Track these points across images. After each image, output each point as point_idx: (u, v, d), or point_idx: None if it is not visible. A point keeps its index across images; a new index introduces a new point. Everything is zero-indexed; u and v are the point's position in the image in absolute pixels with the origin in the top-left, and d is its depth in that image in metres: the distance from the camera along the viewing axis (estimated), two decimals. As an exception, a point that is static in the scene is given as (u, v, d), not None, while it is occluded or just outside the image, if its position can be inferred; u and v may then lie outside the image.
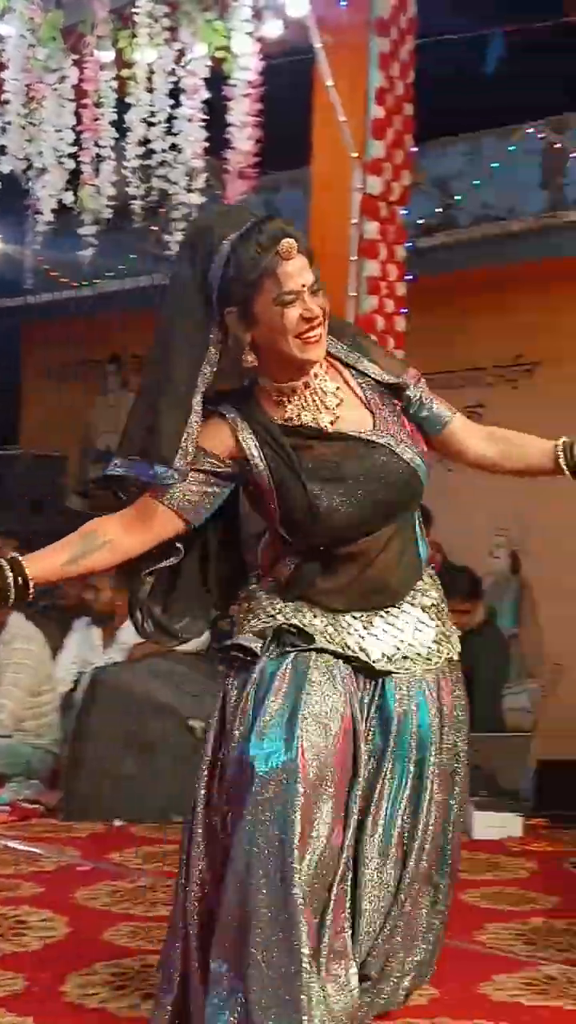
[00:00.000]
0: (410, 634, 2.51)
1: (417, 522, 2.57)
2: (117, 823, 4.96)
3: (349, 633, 2.47)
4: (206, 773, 2.48)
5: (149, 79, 5.06)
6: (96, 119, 5.19)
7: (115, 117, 5.18)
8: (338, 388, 2.50)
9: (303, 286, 2.40)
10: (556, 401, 7.26)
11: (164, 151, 5.07)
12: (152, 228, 7.96)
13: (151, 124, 5.09)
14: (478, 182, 7.41)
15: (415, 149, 6.01)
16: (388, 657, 2.48)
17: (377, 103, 5.63)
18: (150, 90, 5.07)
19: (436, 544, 7.01)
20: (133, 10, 4.97)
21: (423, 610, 2.54)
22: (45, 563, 2.40)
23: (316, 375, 2.48)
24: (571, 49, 10.22)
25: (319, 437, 2.45)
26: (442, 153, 7.59)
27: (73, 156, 5.24)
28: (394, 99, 5.73)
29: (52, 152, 5.20)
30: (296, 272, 2.39)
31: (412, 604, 2.53)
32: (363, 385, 2.53)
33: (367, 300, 5.64)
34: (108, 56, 5.11)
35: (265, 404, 2.47)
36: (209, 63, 5.04)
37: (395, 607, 2.51)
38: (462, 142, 7.58)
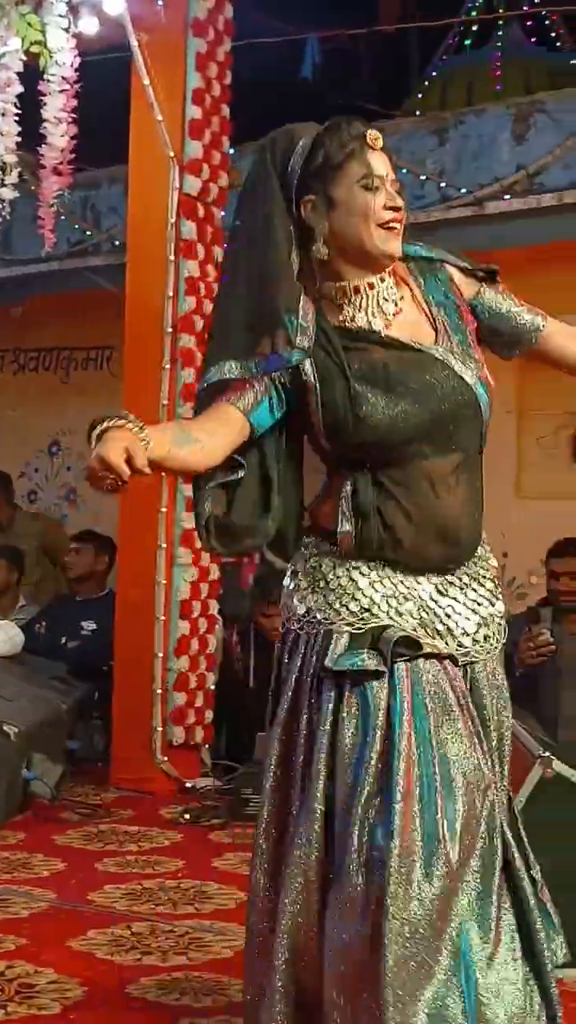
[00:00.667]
0: (486, 607, 2.37)
1: (481, 473, 2.40)
2: None
3: (436, 611, 2.33)
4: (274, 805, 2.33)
5: (-39, 71, 4.95)
6: None
7: None
8: (402, 298, 2.39)
9: (387, 175, 2.34)
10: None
11: (-23, 145, 4.98)
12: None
13: (-36, 117, 4.98)
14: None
15: (232, 151, 6.04)
16: (473, 637, 2.34)
17: (194, 103, 5.64)
18: (-37, 82, 4.96)
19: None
20: (-55, 0, 4.87)
21: (490, 580, 2.41)
22: (156, 435, 2.19)
23: (383, 279, 2.37)
24: (386, 57, 10.43)
25: (373, 341, 2.33)
26: (259, 155, 7.63)
27: None
28: (211, 100, 5.75)
29: None
30: (382, 162, 2.34)
31: (480, 570, 2.40)
32: (433, 303, 2.41)
33: (185, 300, 5.64)
34: None
35: (325, 308, 2.36)
36: (23, 57, 4.96)
37: (467, 572, 2.37)
38: (279, 145, 7.63)
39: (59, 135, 4.93)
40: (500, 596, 2.41)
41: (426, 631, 2.30)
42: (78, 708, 5.93)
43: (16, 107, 4.93)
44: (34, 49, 4.93)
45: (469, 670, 2.33)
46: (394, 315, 2.37)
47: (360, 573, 2.33)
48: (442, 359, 2.33)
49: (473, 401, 2.34)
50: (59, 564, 7.36)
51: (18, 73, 4.94)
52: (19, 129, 4.94)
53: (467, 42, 10.10)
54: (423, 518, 2.31)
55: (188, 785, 5.59)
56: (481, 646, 2.34)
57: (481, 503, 2.39)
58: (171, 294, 5.61)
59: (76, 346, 9.19)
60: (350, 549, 2.33)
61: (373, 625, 2.28)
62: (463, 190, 6.92)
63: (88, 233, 8.20)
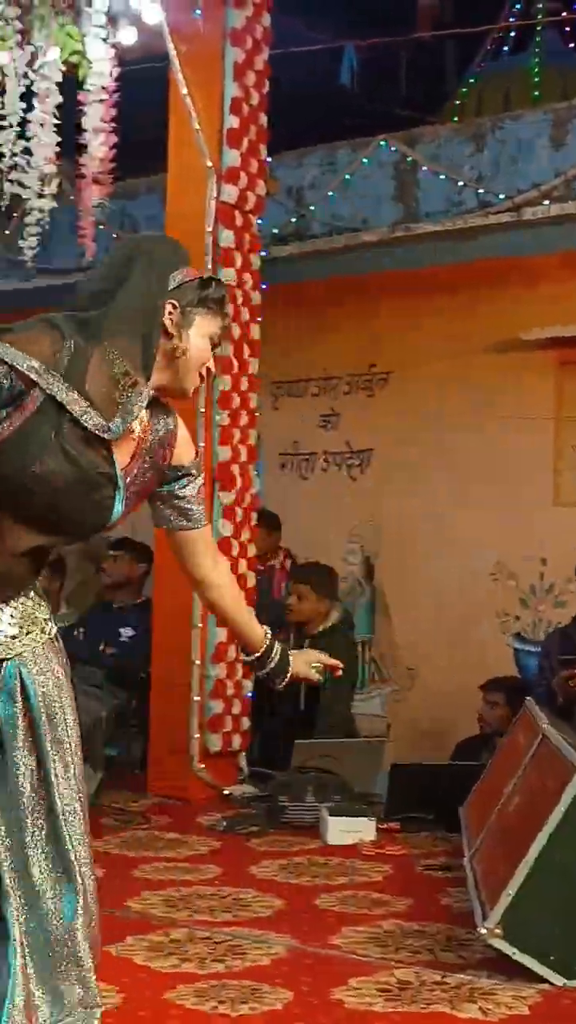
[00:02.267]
0: None
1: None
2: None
3: None
4: None
5: (1, 82, 4.98)
6: (-54, 121, 5.10)
7: (-34, 120, 5.10)
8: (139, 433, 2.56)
9: (220, 342, 2.63)
10: (409, 410, 7.38)
11: (16, 155, 5.01)
12: (5, 232, 7.85)
13: (2, 128, 5.02)
14: (332, 193, 7.49)
15: (269, 159, 6.06)
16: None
17: (232, 112, 5.66)
18: (1, 93, 5.00)
19: (285, 550, 7.08)
20: (-16, 11, 4.91)
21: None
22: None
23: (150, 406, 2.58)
24: (423, 64, 10.44)
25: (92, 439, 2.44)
26: (296, 164, 7.65)
27: None
28: (249, 109, 5.76)
29: None
30: (218, 333, 2.62)
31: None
32: (151, 433, 2.60)
33: (223, 308, 5.64)
34: (-41, 57, 5.03)
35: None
36: (63, 68, 4.99)
37: None
38: (316, 153, 7.65)
39: (98, 145, 4.96)
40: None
41: None
42: (116, 715, 5.94)
43: (55, 117, 4.96)
44: (73, 59, 4.96)
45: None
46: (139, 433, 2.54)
47: None
48: (119, 487, 2.52)
49: (103, 522, 2.57)
50: (99, 571, 7.39)
51: (57, 84, 4.97)
52: (58, 139, 4.96)
53: (504, 48, 10.09)
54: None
55: (225, 792, 5.60)
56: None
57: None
58: (209, 303, 5.62)
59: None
60: None
61: None
62: (501, 196, 6.91)
63: (126, 242, 8.22)
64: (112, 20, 5.00)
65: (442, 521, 7.18)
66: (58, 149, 4.98)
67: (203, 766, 5.63)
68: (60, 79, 4.99)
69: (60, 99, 4.95)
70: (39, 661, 2.66)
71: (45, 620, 2.73)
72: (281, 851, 4.74)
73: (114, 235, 8.08)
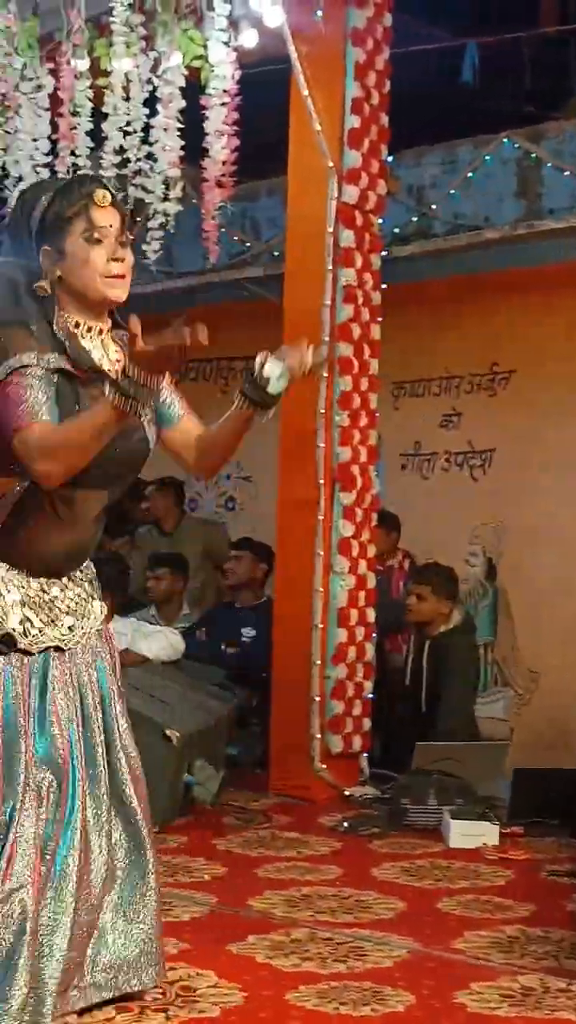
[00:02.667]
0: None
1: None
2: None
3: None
4: None
5: (125, 88, 5.05)
6: (72, 128, 5.18)
7: (91, 126, 5.17)
8: (118, 360, 2.81)
9: (111, 226, 2.75)
10: (532, 409, 7.29)
11: (140, 160, 5.07)
12: (129, 237, 7.96)
13: (127, 133, 5.08)
14: (454, 191, 7.43)
15: (390, 158, 6.03)
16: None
17: (353, 113, 5.65)
18: (126, 99, 5.06)
19: (404, 551, 7.05)
20: (110, 19, 4.97)
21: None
22: None
23: (109, 331, 2.85)
24: (546, 59, 10.29)
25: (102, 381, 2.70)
26: (417, 162, 7.60)
27: (49, 165, 5.23)
28: (370, 109, 5.75)
29: (28, 161, 5.19)
30: (106, 217, 2.75)
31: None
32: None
33: (343, 309, 5.65)
34: (84, 65, 5.10)
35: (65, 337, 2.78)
36: (185, 72, 5.04)
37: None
38: (437, 151, 7.60)
39: (220, 148, 4.99)
40: None
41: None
42: (237, 714, 5.99)
43: (178, 122, 5.01)
44: (195, 64, 5.01)
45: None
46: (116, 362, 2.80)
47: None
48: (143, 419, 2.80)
49: (146, 455, 2.97)
50: (221, 571, 7.44)
51: (180, 88, 5.02)
52: (182, 144, 5.01)
53: (630, 42, 9.90)
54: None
55: (347, 793, 5.59)
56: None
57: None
58: (328, 303, 5.63)
59: (235, 356, 9.29)
60: None
61: None
62: (626, 192, 6.79)
63: (248, 244, 8.28)
64: (234, 24, 5.03)
65: (566, 521, 7.07)
66: (181, 153, 5.03)
67: (324, 766, 5.63)
68: (183, 84, 5.03)
69: (183, 104, 5.00)
70: (87, 652, 3.00)
71: (99, 610, 3.06)
72: (403, 853, 4.72)
73: (235, 237, 8.14)
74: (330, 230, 5.62)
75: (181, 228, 5.33)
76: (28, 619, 2.89)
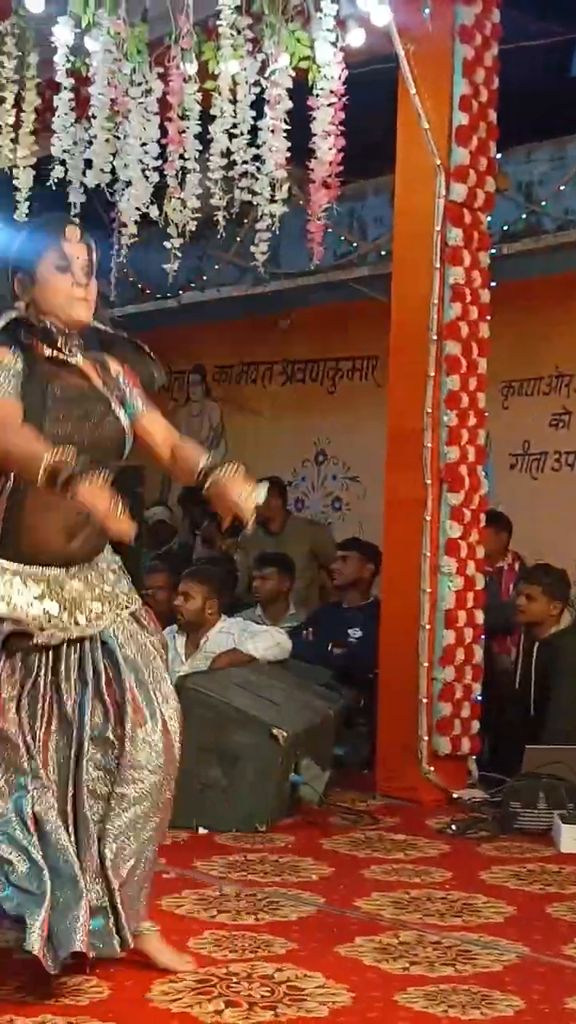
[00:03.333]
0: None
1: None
2: (201, 831, 4.97)
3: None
4: None
5: (232, 90, 5.07)
6: (180, 132, 5.22)
7: (199, 129, 5.21)
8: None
9: (77, 258, 3.17)
10: None
11: (247, 162, 5.09)
12: (236, 239, 8.00)
13: (234, 135, 5.10)
14: (563, 188, 7.34)
15: (499, 155, 5.97)
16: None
17: (461, 110, 5.60)
18: (233, 101, 5.09)
19: (514, 552, 6.97)
20: (217, 22, 4.99)
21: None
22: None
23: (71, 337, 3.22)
24: None
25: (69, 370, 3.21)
26: (526, 159, 7.52)
27: (157, 169, 5.28)
28: (478, 105, 5.69)
29: (137, 165, 5.24)
30: (75, 249, 3.17)
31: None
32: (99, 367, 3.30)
33: (451, 307, 5.60)
34: (192, 69, 5.13)
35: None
36: (292, 73, 5.04)
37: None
38: (546, 148, 7.51)
39: (327, 148, 4.99)
40: None
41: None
42: (344, 715, 5.98)
43: (285, 123, 5.01)
44: (302, 65, 5.01)
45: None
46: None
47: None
48: (107, 398, 3.24)
49: (124, 434, 3.26)
50: (327, 571, 7.44)
51: (287, 89, 5.03)
52: (288, 144, 5.02)
53: None
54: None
55: (455, 796, 5.55)
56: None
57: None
58: (436, 301, 5.59)
59: (341, 356, 9.29)
60: None
61: None
62: None
63: (354, 244, 8.28)
64: (341, 23, 5.02)
65: None
66: (288, 154, 5.04)
67: (432, 768, 5.60)
68: (290, 85, 5.04)
69: (290, 105, 5.00)
70: (120, 633, 3.22)
71: (126, 595, 3.29)
72: (512, 857, 4.67)
73: (342, 237, 8.14)
74: (438, 228, 5.58)
75: (287, 229, 5.34)
76: (48, 612, 3.15)
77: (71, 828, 3.11)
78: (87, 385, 3.22)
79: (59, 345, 3.19)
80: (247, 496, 3.05)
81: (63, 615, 3.17)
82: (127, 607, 3.28)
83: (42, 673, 3.18)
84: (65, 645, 3.20)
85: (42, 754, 3.14)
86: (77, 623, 3.18)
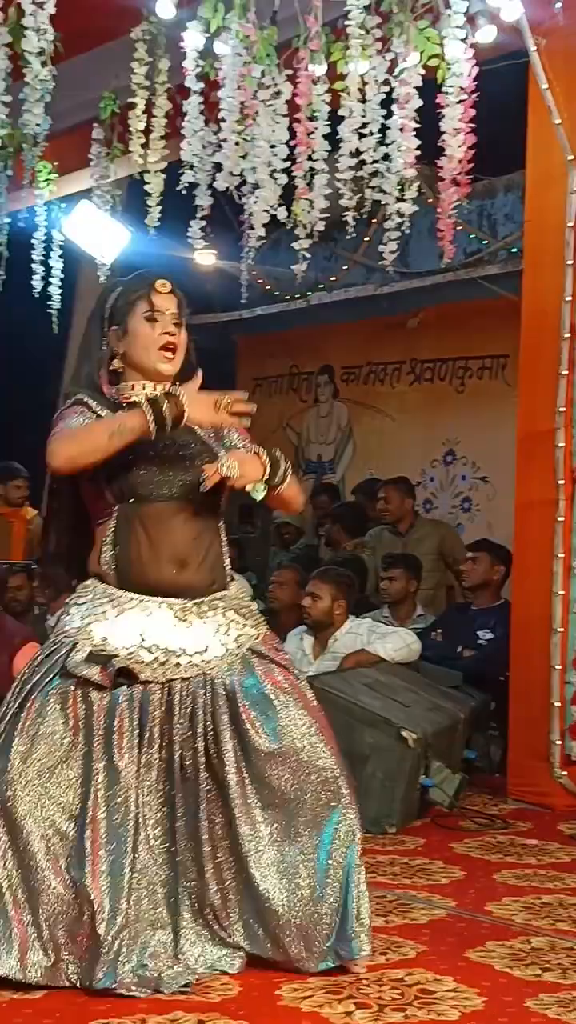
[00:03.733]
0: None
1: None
2: (330, 832, 4.96)
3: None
4: None
5: (361, 90, 5.06)
6: (309, 133, 5.22)
7: (328, 130, 5.21)
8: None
9: (166, 311, 3.29)
10: None
11: (376, 161, 5.07)
12: (364, 239, 8.00)
13: (363, 135, 5.09)
14: None
15: None
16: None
17: (594, 104, 5.51)
18: (362, 101, 5.07)
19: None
20: (346, 23, 4.99)
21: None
22: None
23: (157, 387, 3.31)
24: None
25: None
26: None
27: (286, 171, 5.29)
28: (611, 99, 5.59)
29: (266, 167, 5.26)
30: (164, 301, 3.30)
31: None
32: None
33: (584, 304, 5.51)
34: (321, 69, 5.14)
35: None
36: (422, 71, 5.01)
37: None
38: None
39: (457, 146, 4.94)
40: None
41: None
42: (474, 718, 5.93)
43: (415, 121, 4.99)
44: (432, 63, 4.97)
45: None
46: None
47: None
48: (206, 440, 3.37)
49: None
50: (455, 572, 7.39)
51: (416, 88, 5.00)
52: (418, 143, 4.99)
53: None
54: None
55: (588, 801, 5.46)
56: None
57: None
58: (569, 298, 5.50)
59: (471, 355, 9.22)
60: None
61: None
62: None
63: (484, 242, 8.20)
64: (471, 20, 4.97)
65: None
66: (417, 153, 5.01)
67: (564, 773, 5.51)
68: (419, 83, 5.01)
69: (420, 103, 4.97)
70: (240, 670, 3.26)
71: (247, 631, 3.32)
72: None
73: (472, 235, 8.08)
74: (570, 224, 5.50)
75: (417, 228, 5.31)
76: (147, 647, 3.22)
77: None
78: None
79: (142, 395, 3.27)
80: (231, 465, 3.21)
81: (170, 651, 3.23)
82: (247, 643, 3.32)
83: (150, 710, 3.21)
84: (176, 683, 3.25)
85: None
86: (186, 660, 3.24)
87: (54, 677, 3.19)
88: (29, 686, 3.20)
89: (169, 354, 3.29)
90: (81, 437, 3.19)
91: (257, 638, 3.34)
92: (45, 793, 3.10)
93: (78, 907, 3.08)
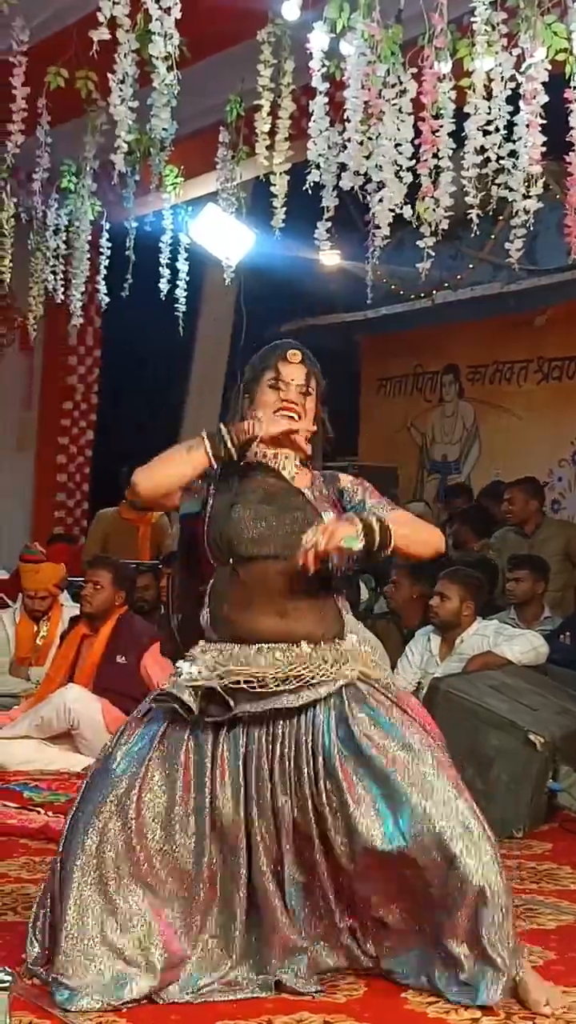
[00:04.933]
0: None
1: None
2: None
3: None
4: None
5: (487, 87, 5.01)
6: (434, 131, 5.19)
7: (453, 127, 5.17)
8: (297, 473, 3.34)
9: (292, 380, 3.28)
10: None
11: (502, 158, 5.02)
12: (490, 236, 7.92)
13: (488, 132, 5.04)
14: None
15: None
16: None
17: None
18: (488, 98, 5.02)
19: None
20: (471, 19, 4.95)
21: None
22: None
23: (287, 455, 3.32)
24: None
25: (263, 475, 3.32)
26: None
27: (411, 169, 5.27)
28: None
29: (391, 166, 5.25)
30: (291, 371, 3.28)
31: None
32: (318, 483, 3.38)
33: None
34: (446, 67, 5.10)
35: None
36: (548, 67, 4.94)
37: None
38: None
39: (585, 141, 4.87)
40: None
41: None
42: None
43: (541, 117, 4.92)
44: (559, 57, 4.90)
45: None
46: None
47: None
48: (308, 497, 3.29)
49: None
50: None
51: (543, 83, 4.93)
52: (544, 139, 4.92)
53: None
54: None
55: None
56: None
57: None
58: None
59: (598, 353, 9.08)
60: None
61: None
62: None
63: (613, 238, 8.05)
64: (602, 12, 4.89)
65: None
66: (544, 149, 4.94)
67: None
68: (546, 79, 4.94)
69: (546, 99, 4.90)
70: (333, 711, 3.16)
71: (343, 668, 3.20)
72: None
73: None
74: None
75: (544, 224, 5.24)
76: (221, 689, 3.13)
77: None
78: (285, 484, 3.29)
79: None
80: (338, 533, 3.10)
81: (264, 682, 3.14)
82: (341, 679, 3.19)
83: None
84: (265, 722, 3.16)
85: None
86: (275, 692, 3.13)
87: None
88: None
89: (286, 420, 3.25)
90: (160, 465, 3.24)
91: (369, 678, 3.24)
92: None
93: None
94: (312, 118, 5.45)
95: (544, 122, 4.95)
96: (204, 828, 3.11)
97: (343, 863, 3.09)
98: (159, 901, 3.10)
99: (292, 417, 3.25)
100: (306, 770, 3.10)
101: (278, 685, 3.10)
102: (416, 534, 3.29)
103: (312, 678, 3.13)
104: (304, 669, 3.13)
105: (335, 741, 3.12)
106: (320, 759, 3.11)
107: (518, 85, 4.99)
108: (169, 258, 7.57)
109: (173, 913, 3.11)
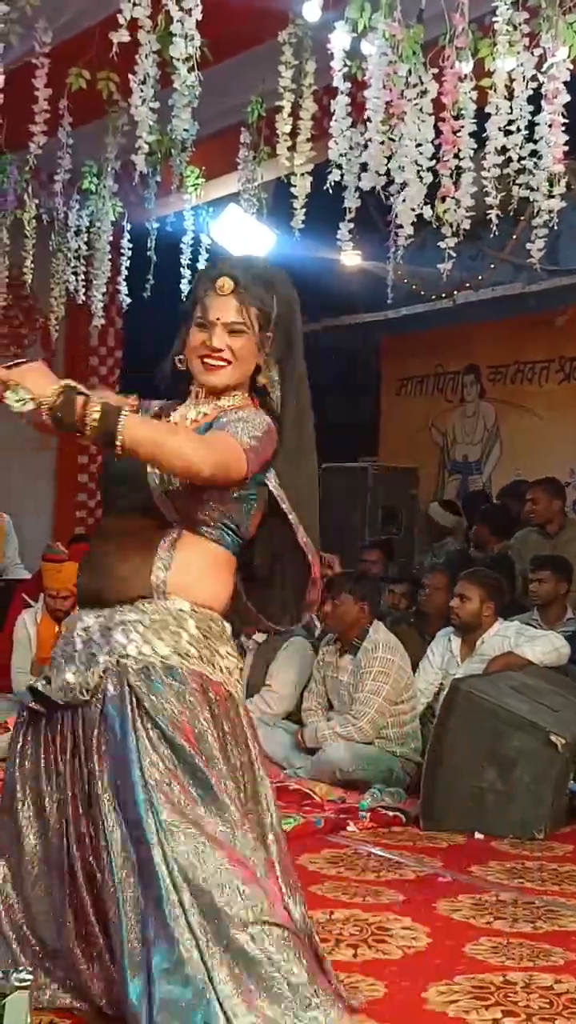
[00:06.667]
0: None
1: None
2: (478, 836, 4.93)
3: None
4: None
5: (508, 87, 5.00)
6: (455, 131, 5.18)
7: (474, 128, 5.16)
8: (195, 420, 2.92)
9: (217, 319, 2.81)
10: None
11: (523, 159, 5.01)
12: (511, 236, 7.90)
13: (510, 132, 5.03)
14: None
15: None
16: None
17: None
18: (509, 98, 5.01)
19: None
20: (493, 19, 4.94)
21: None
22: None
23: (207, 399, 2.91)
24: None
25: None
26: None
27: (432, 170, 5.26)
28: None
29: (412, 166, 5.24)
30: (218, 306, 2.81)
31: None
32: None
33: None
34: (467, 67, 5.09)
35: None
36: (571, 66, 4.93)
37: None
38: None
39: (607, 140, 4.85)
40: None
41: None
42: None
43: (563, 116, 4.91)
44: (582, 56, 4.89)
45: None
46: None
47: None
48: None
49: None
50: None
51: (565, 83, 4.92)
52: (566, 138, 4.91)
53: None
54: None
55: None
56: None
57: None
58: None
59: (620, 353, 9.05)
60: None
61: None
62: None
63: None
64: (622, 11, 4.88)
65: None
66: (566, 148, 4.93)
67: None
68: (567, 78, 4.93)
69: (568, 98, 4.89)
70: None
71: (136, 649, 2.77)
72: None
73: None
74: None
75: (566, 224, 5.22)
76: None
77: None
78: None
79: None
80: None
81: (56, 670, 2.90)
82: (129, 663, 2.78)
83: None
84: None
85: None
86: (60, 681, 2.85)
87: None
88: None
89: (211, 363, 2.86)
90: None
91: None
92: None
93: None
94: (333, 118, 5.44)
95: (566, 121, 4.93)
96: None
97: None
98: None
99: (216, 365, 2.84)
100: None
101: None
102: (176, 445, 2.65)
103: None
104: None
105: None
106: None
107: (540, 85, 4.97)
108: (190, 259, 7.58)
109: None
